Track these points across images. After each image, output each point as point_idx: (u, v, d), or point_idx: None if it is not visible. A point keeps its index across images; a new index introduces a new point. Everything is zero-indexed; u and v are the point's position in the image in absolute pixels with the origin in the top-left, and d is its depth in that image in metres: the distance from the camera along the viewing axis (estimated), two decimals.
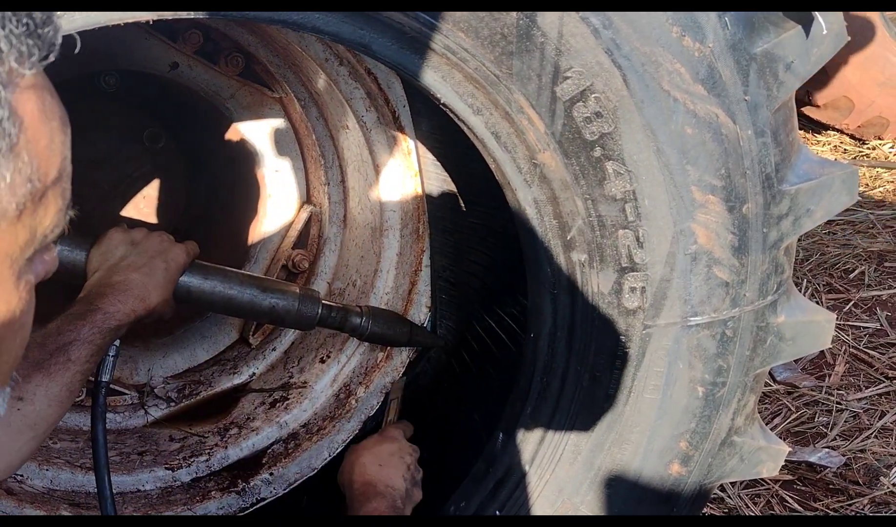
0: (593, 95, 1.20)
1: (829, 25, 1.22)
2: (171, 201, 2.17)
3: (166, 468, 1.87)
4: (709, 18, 1.18)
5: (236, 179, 2.04)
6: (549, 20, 1.15)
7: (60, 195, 0.76)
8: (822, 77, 4.65)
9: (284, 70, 1.80)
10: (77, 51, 0.77)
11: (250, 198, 2.00)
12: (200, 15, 1.07)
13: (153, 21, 1.05)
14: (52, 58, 0.73)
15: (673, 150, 1.23)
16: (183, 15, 1.06)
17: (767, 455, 1.51)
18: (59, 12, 0.76)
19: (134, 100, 2.00)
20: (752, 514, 2.42)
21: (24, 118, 0.70)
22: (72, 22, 1.00)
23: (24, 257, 0.74)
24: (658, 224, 1.29)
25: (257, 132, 1.91)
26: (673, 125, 1.22)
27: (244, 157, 1.94)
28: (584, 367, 1.43)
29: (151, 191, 2.16)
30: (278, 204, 1.96)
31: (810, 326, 1.43)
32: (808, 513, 2.41)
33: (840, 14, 1.26)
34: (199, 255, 1.65)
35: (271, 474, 1.89)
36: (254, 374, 2.00)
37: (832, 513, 2.40)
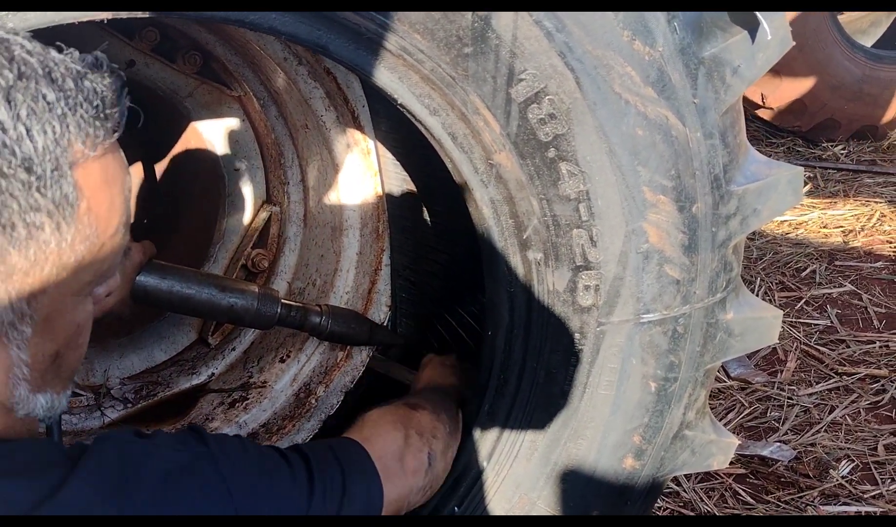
0: (547, 97, 1.23)
1: (773, 31, 1.25)
2: None
3: None
4: (658, 23, 1.21)
5: (195, 178, 2.02)
6: (503, 23, 1.17)
7: (120, 241, 0.88)
8: (776, 81, 4.77)
9: (243, 68, 1.79)
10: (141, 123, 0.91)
11: (209, 197, 1.98)
12: (156, 14, 1.07)
13: (108, 19, 1.05)
14: (115, 137, 0.83)
15: (625, 151, 1.26)
16: (138, 15, 1.06)
17: (718, 448, 1.55)
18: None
19: None
20: (707, 507, 2.47)
21: (84, 190, 0.80)
22: (25, 21, 0.99)
23: (86, 290, 0.87)
24: (611, 223, 1.32)
25: (216, 131, 1.90)
26: (624, 127, 1.25)
27: (203, 156, 1.93)
28: (540, 364, 1.46)
29: None
30: (237, 203, 1.95)
31: (758, 322, 1.48)
32: (761, 505, 2.47)
33: (785, 20, 1.30)
34: (157, 255, 1.64)
35: None
36: (213, 374, 1.99)
37: (783, 505, 2.46)
